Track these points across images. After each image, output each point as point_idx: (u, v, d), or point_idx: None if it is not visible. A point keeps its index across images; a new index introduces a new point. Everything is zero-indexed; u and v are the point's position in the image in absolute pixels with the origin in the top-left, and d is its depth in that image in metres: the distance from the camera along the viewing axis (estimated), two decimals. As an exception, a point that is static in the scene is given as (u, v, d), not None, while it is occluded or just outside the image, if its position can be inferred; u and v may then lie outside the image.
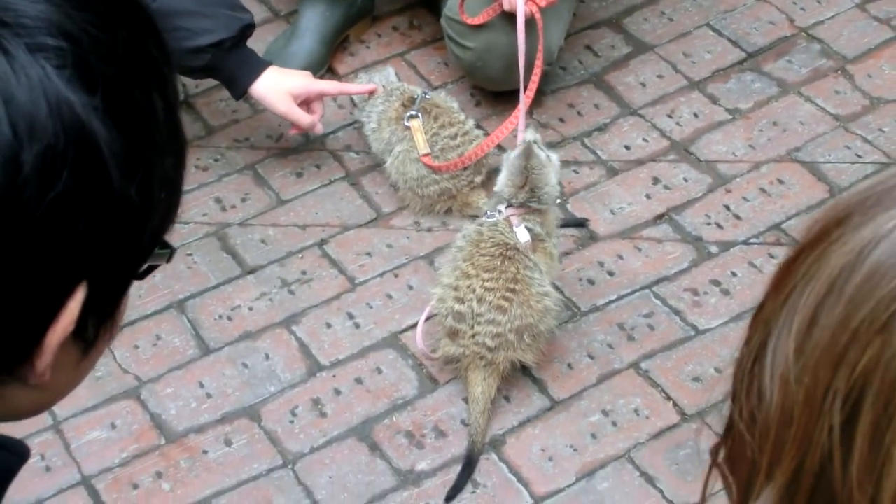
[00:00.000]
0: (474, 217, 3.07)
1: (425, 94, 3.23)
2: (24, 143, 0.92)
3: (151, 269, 1.09)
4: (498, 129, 3.14)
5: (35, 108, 0.93)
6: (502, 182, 2.79)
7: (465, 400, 2.77)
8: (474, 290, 2.69)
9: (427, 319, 2.82)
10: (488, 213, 2.78)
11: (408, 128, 3.17)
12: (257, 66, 3.14)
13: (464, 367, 2.75)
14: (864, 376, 0.89)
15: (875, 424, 0.89)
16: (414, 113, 3.18)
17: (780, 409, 0.94)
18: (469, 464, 2.67)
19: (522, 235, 2.72)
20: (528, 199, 2.75)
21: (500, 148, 3.17)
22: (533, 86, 3.13)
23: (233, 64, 3.11)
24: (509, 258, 2.70)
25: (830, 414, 0.91)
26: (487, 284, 2.68)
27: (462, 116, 3.22)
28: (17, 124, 0.92)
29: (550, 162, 2.79)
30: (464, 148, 3.15)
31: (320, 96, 3.22)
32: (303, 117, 3.15)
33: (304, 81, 3.18)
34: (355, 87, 3.28)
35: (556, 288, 2.83)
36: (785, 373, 0.93)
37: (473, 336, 2.70)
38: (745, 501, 1.01)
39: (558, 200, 2.81)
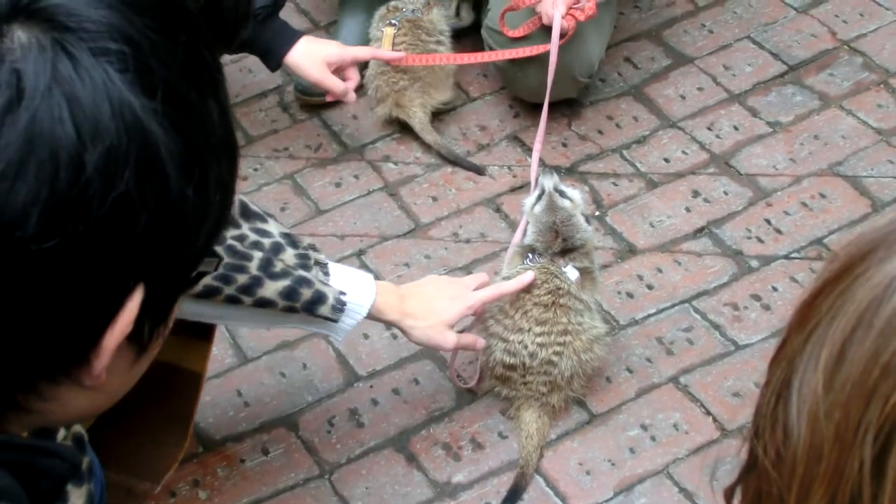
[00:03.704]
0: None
1: (414, 11, 3.41)
2: (87, 143, 0.94)
3: (201, 275, 1.11)
4: (460, 55, 3.35)
5: (98, 109, 0.95)
6: (533, 237, 2.73)
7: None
8: (526, 347, 2.66)
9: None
10: (528, 260, 2.74)
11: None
12: (291, 35, 3.14)
13: (516, 406, 2.73)
14: None
15: None
16: (393, 22, 3.38)
17: (809, 446, 0.93)
18: (514, 494, 2.64)
19: (572, 274, 2.70)
20: (564, 247, 2.72)
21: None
22: (524, 52, 3.19)
23: (267, 35, 3.11)
24: (561, 306, 2.66)
25: (862, 448, 0.90)
26: (539, 340, 2.66)
27: (437, 43, 3.41)
28: (81, 125, 0.94)
29: (576, 204, 2.73)
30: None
31: (354, 62, 3.22)
32: (336, 84, 3.16)
33: (338, 49, 3.19)
34: (387, 53, 3.30)
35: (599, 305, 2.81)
36: (813, 408, 0.92)
37: (525, 384, 2.69)
38: None
39: (591, 231, 2.78)
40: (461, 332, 2.67)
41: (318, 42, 3.18)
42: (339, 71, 3.20)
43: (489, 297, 2.66)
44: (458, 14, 3.57)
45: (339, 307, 2.37)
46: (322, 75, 3.14)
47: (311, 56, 3.13)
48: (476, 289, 2.65)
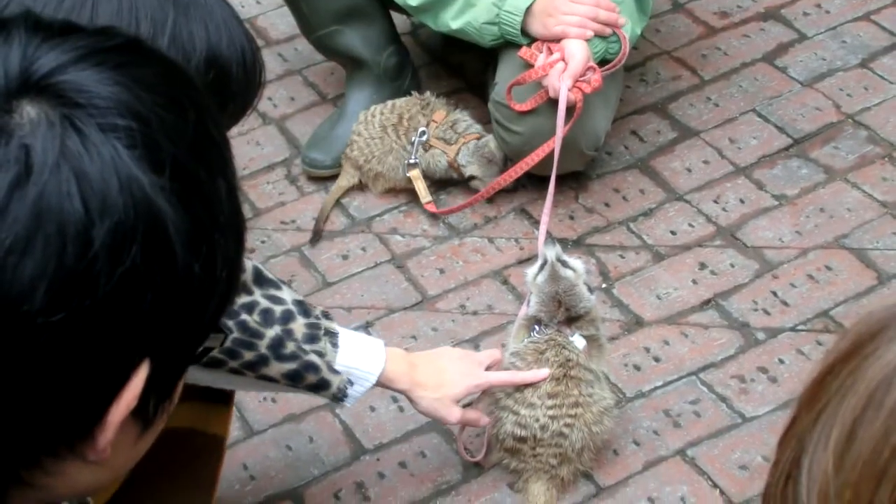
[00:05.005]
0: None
1: (423, 133, 3.43)
2: (95, 219, 0.95)
3: (207, 350, 1.11)
4: (495, 183, 3.32)
5: (106, 185, 0.95)
6: (536, 307, 2.72)
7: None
8: (538, 419, 2.66)
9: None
10: (534, 331, 2.74)
11: (408, 178, 3.42)
12: None
13: (524, 479, 2.72)
14: None
15: None
16: (413, 161, 3.39)
17: None
18: None
19: (579, 343, 2.70)
20: (568, 316, 2.72)
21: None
22: (533, 160, 3.22)
23: None
24: (572, 378, 2.66)
25: None
26: (551, 413, 2.65)
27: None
28: (89, 201, 0.95)
29: (578, 274, 2.72)
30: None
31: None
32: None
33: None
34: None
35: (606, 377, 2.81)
36: (823, 488, 0.92)
37: (535, 456, 2.69)
38: None
39: (595, 300, 2.77)
40: (468, 405, 2.67)
41: None
42: None
43: (500, 382, 2.67)
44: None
45: (341, 396, 2.37)
46: None
47: None
48: (489, 367, 2.65)
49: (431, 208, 3.38)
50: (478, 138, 3.43)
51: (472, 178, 3.43)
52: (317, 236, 3.36)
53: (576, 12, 3.16)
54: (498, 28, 3.26)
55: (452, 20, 3.33)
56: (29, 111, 0.98)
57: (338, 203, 3.45)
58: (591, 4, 3.18)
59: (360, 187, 3.48)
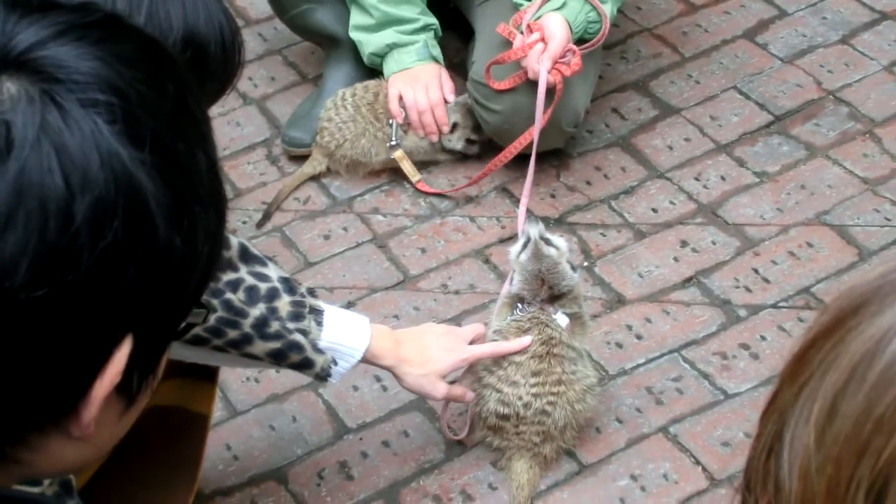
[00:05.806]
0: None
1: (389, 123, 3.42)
2: (76, 193, 0.95)
3: (190, 326, 1.11)
4: (484, 171, 3.32)
5: (87, 160, 0.95)
6: (519, 286, 2.72)
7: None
8: (521, 397, 2.66)
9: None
10: (517, 310, 2.73)
11: (384, 160, 3.43)
12: None
13: (507, 457, 2.73)
14: (888, 464, 0.88)
15: None
16: (394, 143, 3.39)
17: (801, 501, 0.93)
18: None
19: (562, 320, 2.70)
20: (551, 294, 2.71)
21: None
22: (518, 146, 3.24)
23: None
24: (555, 356, 2.66)
25: (854, 503, 0.89)
26: (534, 391, 2.65)
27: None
28: (70, 175, 0.95)
29: (561, 251, 2.72)
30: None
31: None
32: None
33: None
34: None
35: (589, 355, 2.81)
36: (805, 463, 0.92)
37: (518, 434, 2.69)
38: None
39: (578, 278, 2.77)
40: (452, 382, 2.67)
41: None
42: None
43: (484, 354, 2.67)
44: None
45: (325, 375, 2.37)
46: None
47: None
48: (472, 341, 2.65)
49: (423, 186, 3.38)
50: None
51: (455, 126, 3.42)
52: (265, 219, 3.35)
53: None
54: (381, 61, 3.44)
55: (352, 30, 3.47)
56: (9, 87, 0.98)
57: (318, 183, 3.44)
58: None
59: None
